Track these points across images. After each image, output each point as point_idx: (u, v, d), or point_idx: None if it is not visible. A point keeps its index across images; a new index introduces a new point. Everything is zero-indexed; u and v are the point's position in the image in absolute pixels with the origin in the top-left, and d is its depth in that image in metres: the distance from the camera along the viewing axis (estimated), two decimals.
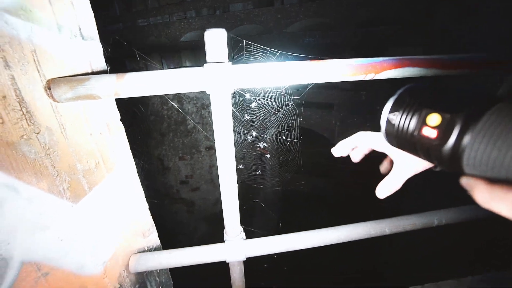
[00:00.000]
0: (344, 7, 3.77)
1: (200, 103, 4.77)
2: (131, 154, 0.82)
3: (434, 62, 0.70)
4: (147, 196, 0.92)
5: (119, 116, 0.75)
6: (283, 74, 0.66)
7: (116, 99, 0.72)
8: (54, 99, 0.57)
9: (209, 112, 4.45)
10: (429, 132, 0.39)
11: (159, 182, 5.22)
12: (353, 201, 3.50)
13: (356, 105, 3.93)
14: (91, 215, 0.71)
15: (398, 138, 0.44)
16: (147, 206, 0.92)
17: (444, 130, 0.37)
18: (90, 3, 0.63)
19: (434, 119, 0.38)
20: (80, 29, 0.61)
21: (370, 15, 3.48)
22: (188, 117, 4.90)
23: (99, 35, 0.67)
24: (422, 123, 0.40)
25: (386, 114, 0.45)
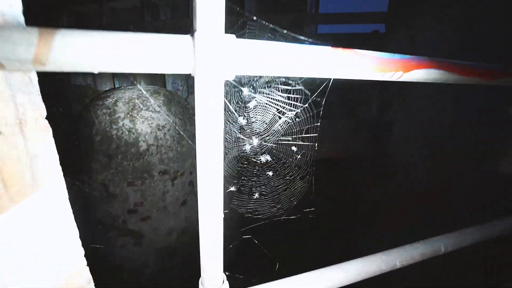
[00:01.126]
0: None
1: (155, 124, 4.42)
2: (62, 174, 0.53)
3: (461, 67, 0.61)
4: (87, 230, 0.62)
5: (44, 110, 0.47)
6: (305, 61, 0.48)
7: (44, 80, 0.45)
8: None
9: (165, 133, 4.14)
10: None
11: (103, 212, 4.50)
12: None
13: (315, 116, 4.20)
14: None
15: None
16: (83, 252, 0.61)
17: None
18: None
19: None
20: None
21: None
22: (140, 139, 4.48)
23: None
24: None
25: None
